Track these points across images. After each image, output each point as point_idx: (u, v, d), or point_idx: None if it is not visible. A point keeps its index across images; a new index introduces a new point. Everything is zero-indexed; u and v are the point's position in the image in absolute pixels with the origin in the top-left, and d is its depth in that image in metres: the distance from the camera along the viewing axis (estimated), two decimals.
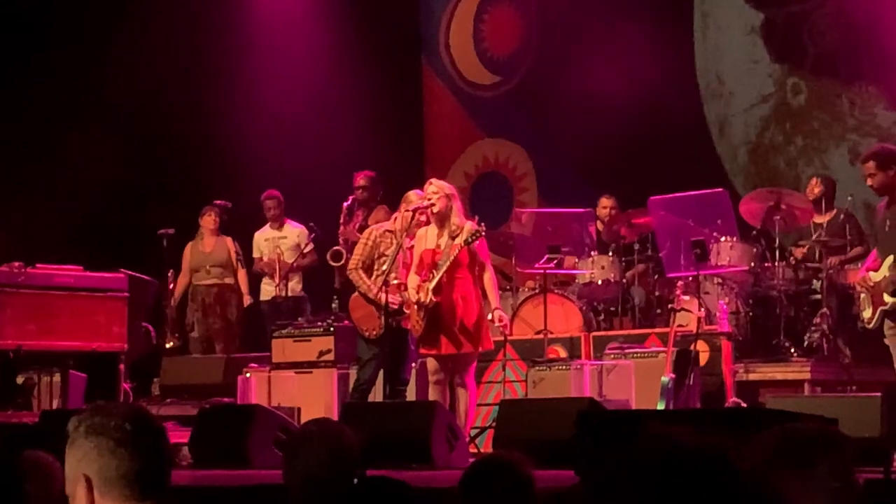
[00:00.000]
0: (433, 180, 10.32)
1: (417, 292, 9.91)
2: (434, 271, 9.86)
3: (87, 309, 11.73)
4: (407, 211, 10.35)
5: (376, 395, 10.62)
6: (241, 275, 13.81)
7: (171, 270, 13.76)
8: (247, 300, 13.79)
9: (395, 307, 10.23)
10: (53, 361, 11.89)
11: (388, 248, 10.43)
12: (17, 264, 11.51)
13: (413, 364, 10.76)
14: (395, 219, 10.59)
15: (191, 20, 15.21)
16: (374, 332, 10.41)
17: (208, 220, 13.86)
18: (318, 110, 15.64)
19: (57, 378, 12.05)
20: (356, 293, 10.66)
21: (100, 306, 11.81)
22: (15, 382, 11.92)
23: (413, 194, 10.52)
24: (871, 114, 13.93)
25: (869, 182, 9.94)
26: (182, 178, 15.06)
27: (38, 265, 11.67)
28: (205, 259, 13.82)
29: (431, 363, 10.04)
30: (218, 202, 13.92)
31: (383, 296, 10.19)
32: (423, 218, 10.20)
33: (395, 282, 10.26)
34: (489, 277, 10.05)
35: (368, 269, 10.53)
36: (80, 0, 15.03)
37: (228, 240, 13.85)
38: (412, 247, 10.23)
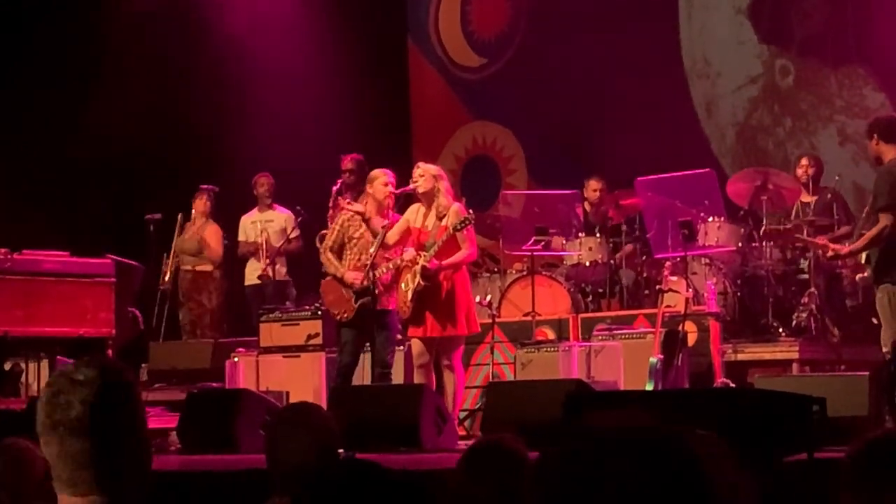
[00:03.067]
0: (420, 163, 10.37)
1: (403, 272, 9.94)
2: (423, 252, 9.87)
3: (74, 295, 11.71)
4: (391, 193, 10.31)
5: (365, 378, 10.60)
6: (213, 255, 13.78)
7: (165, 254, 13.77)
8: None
9: (361, 287, 10.19)
10: (41, 347, 11.86)
11: (357, 231, 10.41)
12: (3, 250, 11.49)
13: (400, 347, 10.75)
14: (366, 202, 10.55)
15: (178, 6, 15.16)
16: (346, 315, 10.38)
17: (198, 204, 13.86)
18: (305, 93, 15.59)
19: (44, 364, 12.03)
20: (327, 277, 10.65)
21: (87, 292, 11.79)
22: (2, 369, 11.90)
23: (379, 172, 10.51)
24: (860, 95, 13.91)
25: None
26: (169, 163, 15.02)
27: (24, 251, 11.64)
28: (182, 245, 13.81)
29: (416, 346, 10.02)
30: (204, 186, 13.89)
31: (363, 277, 10.17)
32: (390, 198, 10.26)
33: (369, 262, 10.24)
34: (461, 251, 9.98)
35: (338, 253, 10.53)
36: None
37: (211, 227, 13.79)
38: (385, 225, 10.18)
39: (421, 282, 9.81)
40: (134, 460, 2.64)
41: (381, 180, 10.34)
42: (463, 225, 9.79)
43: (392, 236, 10.05)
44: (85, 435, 2.56)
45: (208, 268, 13.80)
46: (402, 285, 10.02)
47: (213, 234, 13.78)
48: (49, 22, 14.90)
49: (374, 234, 10.06)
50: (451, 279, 9.90)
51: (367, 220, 10.10)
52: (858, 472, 3.11)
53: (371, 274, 10.11)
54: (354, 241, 10.44)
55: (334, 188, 12.86)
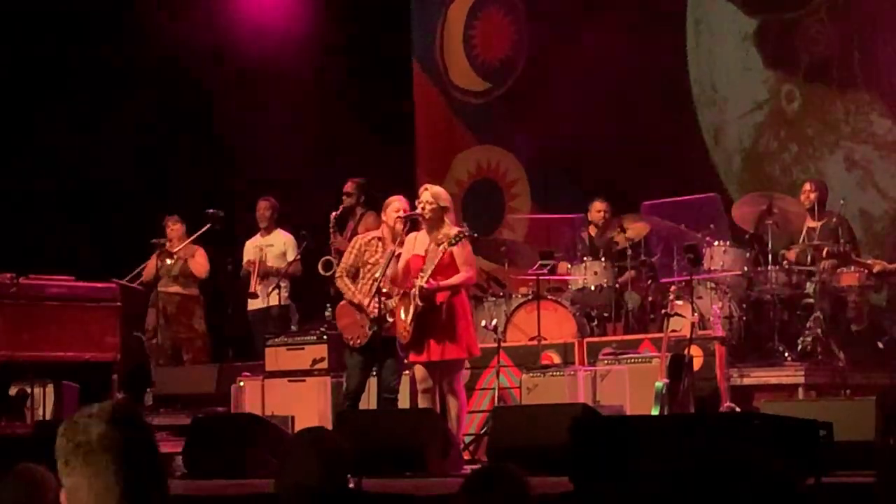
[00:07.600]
0: (428, 186, 10.19)
1: (402, 299, 9.88)
2: (420, 275, 9.77)
3: (79, 319, 11.71)
4: (398, 218, 10.24)
5: (370, 403, 10.59)
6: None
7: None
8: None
9: (375, 314, 10.09)
10: (46, 372, 11.86)
11: (373, 256, 10.34)
12: (8, 275, 11.49)
13: (406, 371, 10.72)
14: (383, 226, 10.51)
15: (184, 27, 15.19)
16: (359, 341, 10.31)
17: (171, 231, 13.73)
18: (310, 117, 15.60)
19: (50, 389, 12.02)
20: (343, 301, 10.59)
21: (92, 316, 11.79)
22: (7, 394, 11.89)
23: (392, 199, 10.45)
24: (867, 121, 13.89)
25: None
26: (175, 186, 15.03)
27: (29, 276, 11.64)
28: (168, 267, 13.67)
29: (419, 371, 9.95)
30: (210, 210, 13.85)
31: (370, 302, 10.10)
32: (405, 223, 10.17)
33: (385, 290, 10.17)
34: (460, 274, 9.81)
35: (354, 277, 10.44)
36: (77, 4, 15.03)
37: (199, 250, 13.74)
38: (393, 250, 10.14)
39: (419, 303, 9.70)
40: (154, 481, 2.67)
41: (393, 206, 10.30)
42: (458, 239, 9.59)
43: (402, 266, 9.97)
44: (109, 451, 2.59)
45: (195, 291, 13.77)
46: (402, 312, 9.90)
47: (201, 254, 13.73)
48: (57, 47, 14.92)
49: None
50: (451, 303, 9.77)
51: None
52: None
53: (381, 301, 10.03)
54: (370, 266, 10.35)
55: (333, 214, 12.87)
